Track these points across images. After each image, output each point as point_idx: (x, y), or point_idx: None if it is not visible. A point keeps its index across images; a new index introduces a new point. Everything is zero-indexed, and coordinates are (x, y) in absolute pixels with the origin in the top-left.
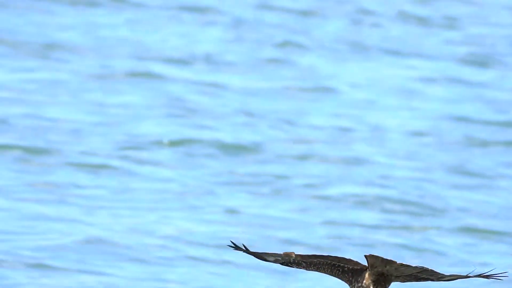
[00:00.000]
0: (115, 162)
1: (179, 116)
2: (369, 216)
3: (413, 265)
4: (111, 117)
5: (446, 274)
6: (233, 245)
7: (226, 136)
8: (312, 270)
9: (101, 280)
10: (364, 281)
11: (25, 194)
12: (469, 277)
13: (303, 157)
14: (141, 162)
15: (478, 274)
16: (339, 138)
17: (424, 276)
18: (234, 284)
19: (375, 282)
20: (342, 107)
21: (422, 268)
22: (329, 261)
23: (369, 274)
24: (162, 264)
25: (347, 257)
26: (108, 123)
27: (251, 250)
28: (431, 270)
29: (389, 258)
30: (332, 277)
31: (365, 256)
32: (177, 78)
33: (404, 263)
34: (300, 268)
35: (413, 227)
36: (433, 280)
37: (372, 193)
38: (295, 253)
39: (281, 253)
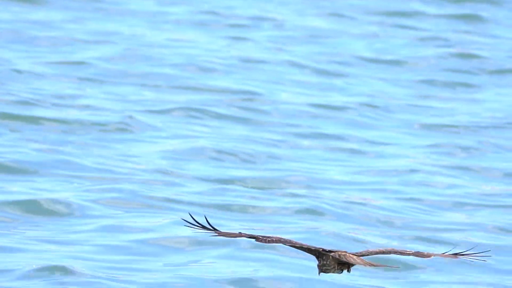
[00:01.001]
0: None
1: None
2: None
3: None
4: None
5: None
6: (189, 222)
7: None
8: (280, 243)
9: (142, 96)
10: (329, 261)
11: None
12: (446, 256)
13: None
14: None
15: (457, 253)
16: None
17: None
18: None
19: (339, 264)
20: None
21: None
22: (298, 244)
23: (332, 258)
24: (215, 71)
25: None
26: None
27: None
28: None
29: (349, 260)
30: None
31: (327, 254)
32: None
33: (366, 262)
34: (270, 243)
35: None
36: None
37: None
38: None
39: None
